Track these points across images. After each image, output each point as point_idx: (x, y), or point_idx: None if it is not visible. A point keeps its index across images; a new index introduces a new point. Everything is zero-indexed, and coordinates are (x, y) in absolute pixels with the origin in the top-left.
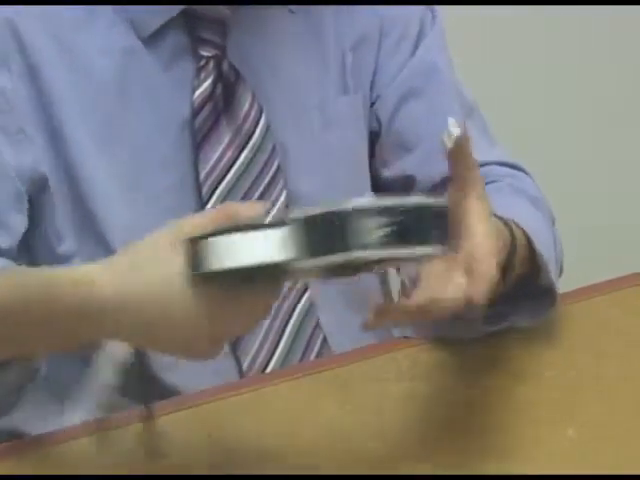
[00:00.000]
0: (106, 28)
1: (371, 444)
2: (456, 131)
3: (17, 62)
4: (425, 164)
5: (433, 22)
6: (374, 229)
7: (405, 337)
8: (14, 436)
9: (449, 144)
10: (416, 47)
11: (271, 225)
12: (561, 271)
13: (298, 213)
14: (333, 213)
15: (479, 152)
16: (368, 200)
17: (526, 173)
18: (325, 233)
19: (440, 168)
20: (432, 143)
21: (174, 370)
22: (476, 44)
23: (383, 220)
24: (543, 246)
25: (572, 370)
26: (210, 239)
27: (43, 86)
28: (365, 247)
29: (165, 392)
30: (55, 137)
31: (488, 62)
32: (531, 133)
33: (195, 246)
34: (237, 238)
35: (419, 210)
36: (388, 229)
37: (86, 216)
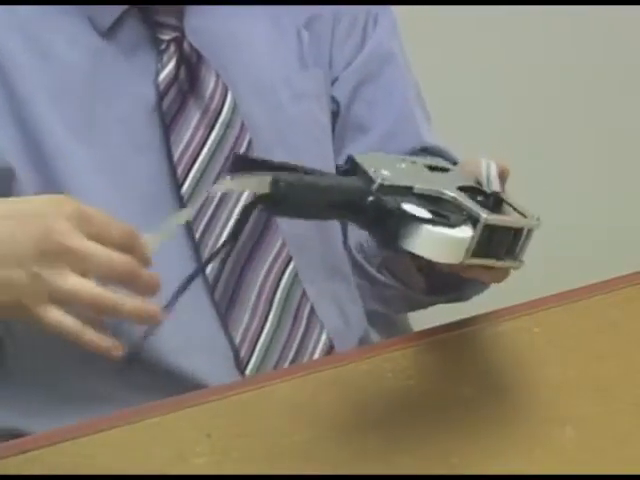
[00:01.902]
0: (70, 23)
1: (370, 443)
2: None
3: None
4: (379, 146)
5: (385, 8)
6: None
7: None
8: (14, 436)
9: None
10: (372, 31)
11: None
12: None
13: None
14: (516, 229)
15: (424, 134)
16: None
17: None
18: (502, 242)
19: (394, 150)
20: (387, 125)
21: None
22: (463, 43)
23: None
24: None
25: (572, 369)
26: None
27: (10, 77)
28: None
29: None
30: (25, 127)
31: (476, 61)
32: (533, 132)
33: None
34: (431, 232)
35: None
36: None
37: None
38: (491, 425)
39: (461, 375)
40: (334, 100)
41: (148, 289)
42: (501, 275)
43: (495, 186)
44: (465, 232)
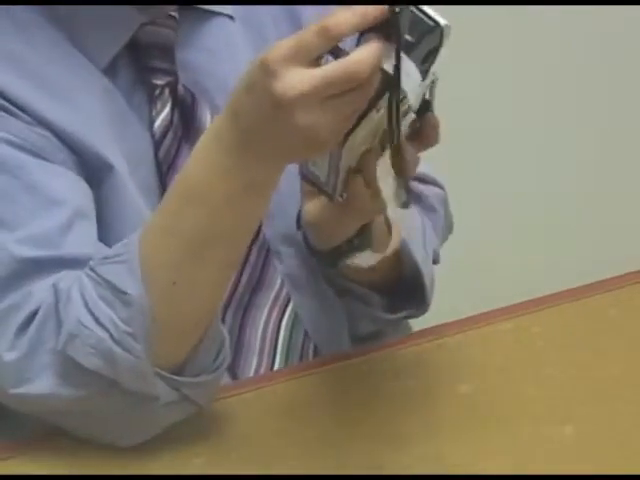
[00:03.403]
0: (77, 65)
1: (369, 443)
2: None
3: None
4: None
5: None
6: None
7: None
8: None
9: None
10: None
11: None
12: (449, 233)
13: None
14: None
15: None
16: None
17: None
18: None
19: None
20: None
21: None
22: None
23: None
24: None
25: (571, 368)
26: None
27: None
28: None
29: None
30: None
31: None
32: (532, 131)
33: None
34: None
35: None
36: None
37: None
38: (490, 424)
39: (460, 374)
40: None
41: None
42: (435, 132)
43: None
44: None
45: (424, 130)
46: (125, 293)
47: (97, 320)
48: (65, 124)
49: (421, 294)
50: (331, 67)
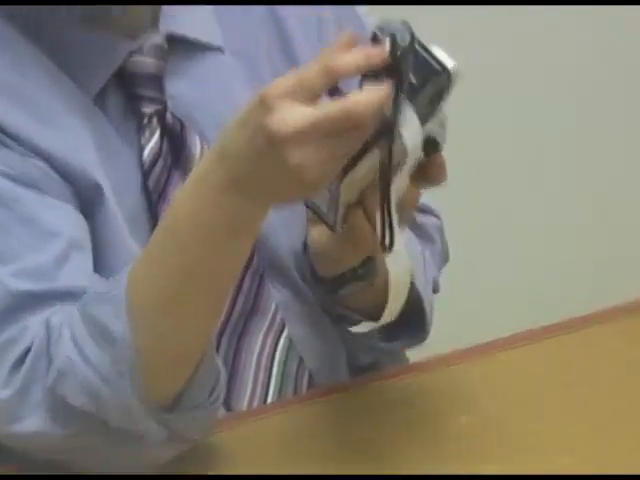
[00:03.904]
0: (64, 90)
1: (367, 474)
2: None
3: None
4: None
5: None
6: None
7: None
8: None
9: None
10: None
11: None
12: (446, 261)
13: None
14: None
15: None
16: None
17: None
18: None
19: None
20: None
21: None
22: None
23: None
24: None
25: (571, 400)
26: None
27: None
28: None
29: None
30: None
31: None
32: (533, 161)
33: None
34: None
35: None
36: None
37: None
38: (489, 454)
39: (460, 406)
40: None
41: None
42: (441, 172)
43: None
44: None
45: (430, 169)
46: (111, 332)
47: (86, 358)
48: (58, 152)
49: (421, 321)
50: (330, 107)
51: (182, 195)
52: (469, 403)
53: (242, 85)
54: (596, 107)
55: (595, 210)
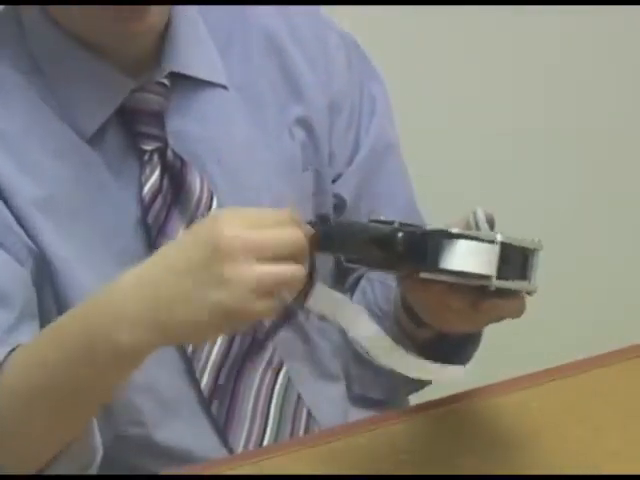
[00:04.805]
0: (55, 135)
1: None
2: None
3: None
4: None
5: (383, 95)
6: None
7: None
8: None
9: None
10: (369, 122)
11: (484, 240)
12: None
13: (494, 236)
14: (527, 249)
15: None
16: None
17: None
18: (517, 263)
19: None
20: (398, 216)
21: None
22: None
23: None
24: None
25: (570, 443)
26: (455, 240)
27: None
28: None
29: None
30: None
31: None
32: (534, 204)
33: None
34: (467, 245)
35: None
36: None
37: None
38: None
39: (457, 448)
40: (338, 196)
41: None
42: (520, 306)
43: (484, 228)
44: None
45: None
46: None
47: None
48: (26, 201)
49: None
50: (275, 234)
51: (83, 307)
52: (468, 446)
53: (244, 121)
54: None
55: (593, 256)
